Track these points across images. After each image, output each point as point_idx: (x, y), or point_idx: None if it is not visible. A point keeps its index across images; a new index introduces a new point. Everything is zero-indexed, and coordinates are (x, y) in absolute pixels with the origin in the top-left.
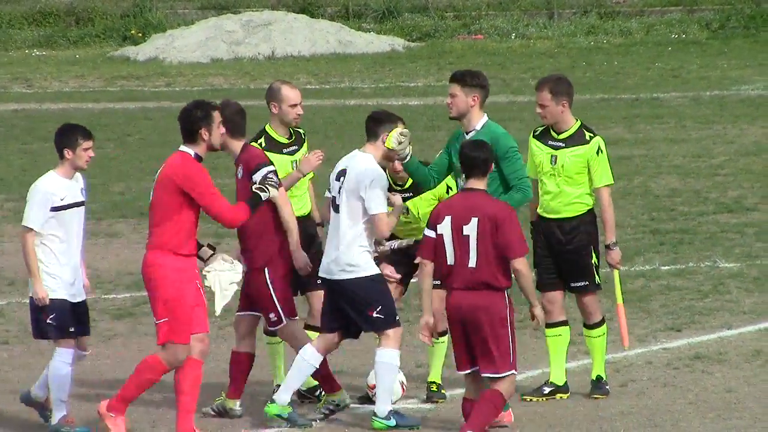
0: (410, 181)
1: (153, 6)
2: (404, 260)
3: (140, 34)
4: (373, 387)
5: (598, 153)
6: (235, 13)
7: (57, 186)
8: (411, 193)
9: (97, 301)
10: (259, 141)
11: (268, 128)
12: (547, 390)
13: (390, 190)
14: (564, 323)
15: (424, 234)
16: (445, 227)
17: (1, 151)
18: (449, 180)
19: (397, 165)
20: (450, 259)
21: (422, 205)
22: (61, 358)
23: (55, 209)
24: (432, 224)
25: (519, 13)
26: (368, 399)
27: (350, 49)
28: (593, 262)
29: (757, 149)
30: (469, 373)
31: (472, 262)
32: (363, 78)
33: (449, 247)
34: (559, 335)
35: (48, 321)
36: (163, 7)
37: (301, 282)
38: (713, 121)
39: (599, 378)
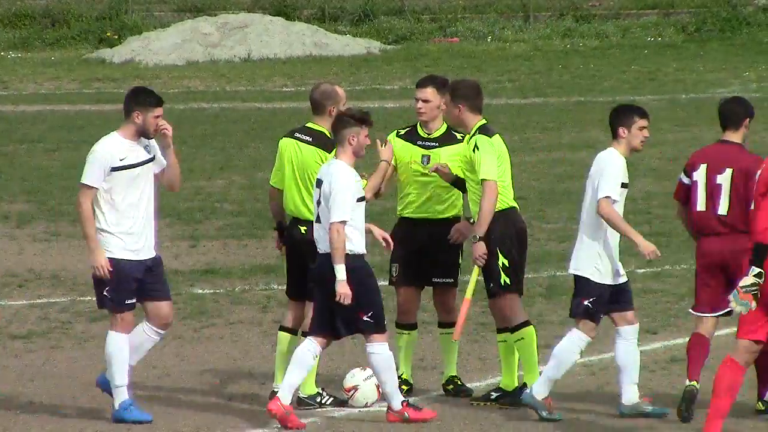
0: (438, 132)
1: (129, 8)
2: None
3: (116, 37)
4: (349, 390)
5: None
6: (211, 15)
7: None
8: (436, 144)
9: (73, 304)
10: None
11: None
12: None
13: (417, 139)
14: (526, 324)
15: (679, 179)
16: (699, 175)
17: None
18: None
19: (421, 107)
20: (700, 206)
21: (445, 157)
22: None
23: None
24: (688, 171)
25: (495, 15)
26: (344, 402)
27: (326, 51)
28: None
29: None
30: (712, 316)
31: (722, 210)
32: (339, 80)
33: (701, 194)
34: (522, 338)
35: None
36: (139, 10)
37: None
38: (689, 123)
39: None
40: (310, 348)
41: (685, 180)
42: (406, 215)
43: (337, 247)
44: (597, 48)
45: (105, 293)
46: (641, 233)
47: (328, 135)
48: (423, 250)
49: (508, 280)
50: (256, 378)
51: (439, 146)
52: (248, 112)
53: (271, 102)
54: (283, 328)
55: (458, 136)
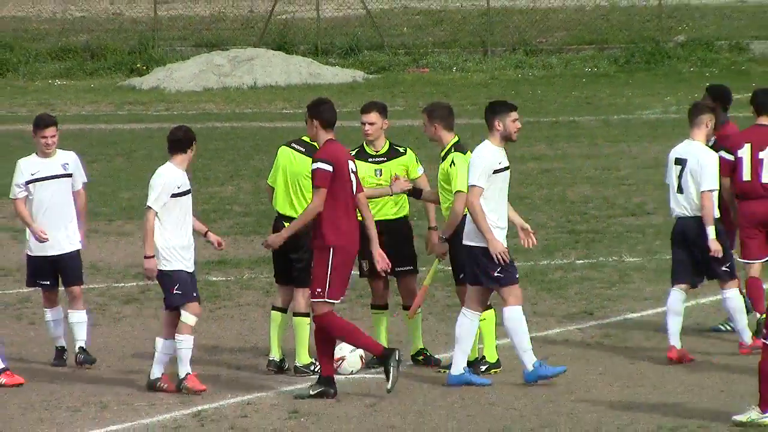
0: (384, 148)
1: (155, 44)
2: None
3: (144, 68)
4: (338, 360)
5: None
6: (224, 50)
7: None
8: (385, 158)
9: (109, 289)
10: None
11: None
12: (483, 368)
13: (368, 157)
14: (489, 307)
15: (721, 157)
16: (744, 152)
17: None
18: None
19: (368, 129)
20: (746, 176)
21: (394, 169)
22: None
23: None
24: (732, 149)
25: (459, 50)
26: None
27: (319, 80)
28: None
29: (656, 163)
30: (759, 262)
31: (765, 178)
32: None
33: (746, 167)
34: (484, 319)
35: None
36: (164, 45)
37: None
38: (620, 140)
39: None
40: (678, 297)
41: (729, 157)
42: None
43: (710, 212)
44: (543, 77)
45: (498, 273)
46: (579, 231)
47: (317, 145)
48: (384, 246)
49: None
50: (261, 351)
51: (388, 160)
52: (254, 131)
53: (272, 122)
54: (275, 308)
55: (400, 149)
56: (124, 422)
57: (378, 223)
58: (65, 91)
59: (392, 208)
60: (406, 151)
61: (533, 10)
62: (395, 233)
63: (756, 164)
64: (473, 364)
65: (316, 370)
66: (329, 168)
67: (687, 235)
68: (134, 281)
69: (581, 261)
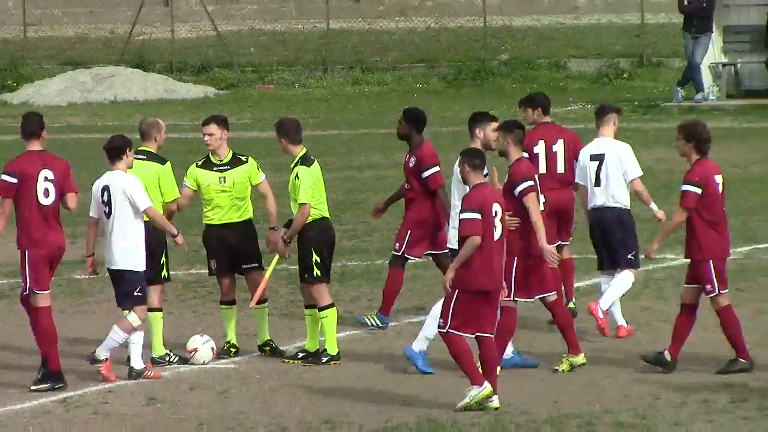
0: (227, 158)
1: (25, 62)
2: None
3: (15, 84)
4: (191, 351)
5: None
6: (87, 68)
7: None
8: (228, 167)
9: None
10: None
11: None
12: (324, 359)
13: (212, 166)
14: (332, 305)
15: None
16: (539, 148)
17: None
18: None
19: (208, 140)
20: (542, 169)
21: (236, 176)
22: None
23: None
24: (528, 147)
25: (301, 68)
26: (187, 360)
27: (174, 95)
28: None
29: None
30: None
31: (560, 169)
32: (183, 117)
33: (542, 161)
34: (326, 317)
35: None
36: (33, 63)
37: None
38: (450, 150)
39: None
40: (607, 281)
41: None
42: (213, 222)
43: (647, 194)
44: (379, 93)
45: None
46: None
47: (155, 153)
48: (231, 247)
49: (319, 273)
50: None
51: (231, 168)
52: None
53: (132, 134)
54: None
55: (242, 158)
56: None
57: (224, 225)
58: None
59: (236, 212)
60: (248, 159)
61: (369, 32)
62: (240, 235)
63: (552, 157)
64: (315, 355)
65: (171, 360)
66: (11, 180)
67: (603, 223)
68: (5, 279)
69: (413, 260)
